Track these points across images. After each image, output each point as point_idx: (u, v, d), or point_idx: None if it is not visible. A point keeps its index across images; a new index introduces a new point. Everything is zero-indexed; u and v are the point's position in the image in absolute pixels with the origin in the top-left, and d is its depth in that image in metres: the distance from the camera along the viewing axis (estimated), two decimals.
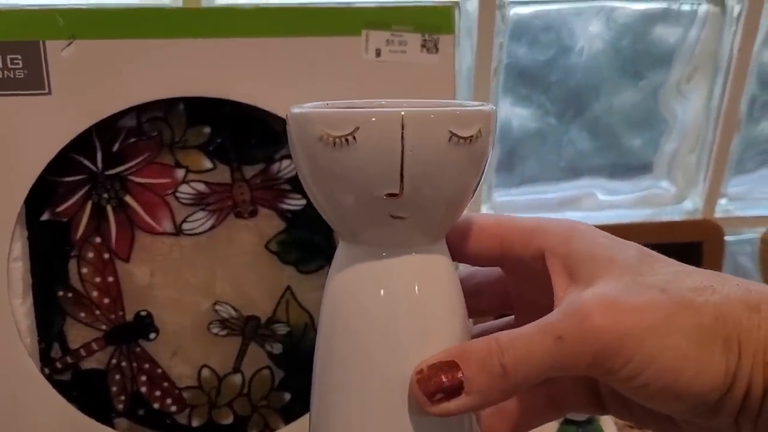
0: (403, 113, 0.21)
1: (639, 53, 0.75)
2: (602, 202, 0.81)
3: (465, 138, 0.22)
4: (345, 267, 0.25)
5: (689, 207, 0.82)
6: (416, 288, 0.24)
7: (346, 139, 0.22)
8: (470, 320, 0.27)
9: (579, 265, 0.24)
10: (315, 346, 0.26)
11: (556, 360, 0.22)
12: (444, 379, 0.23)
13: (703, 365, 0.22)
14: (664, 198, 0.82)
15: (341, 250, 0.25)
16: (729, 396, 0.22)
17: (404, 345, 0.24)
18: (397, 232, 0.24)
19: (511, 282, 0.29)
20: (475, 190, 0.25)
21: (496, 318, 0.31)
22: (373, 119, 0.22)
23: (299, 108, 0.23)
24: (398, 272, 0.24)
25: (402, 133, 0.21)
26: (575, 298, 0.23)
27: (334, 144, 0.22)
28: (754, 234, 0.66)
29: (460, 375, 0.23)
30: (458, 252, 0.27)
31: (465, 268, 0.30)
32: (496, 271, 0.29)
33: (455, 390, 0.23)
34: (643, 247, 0.25)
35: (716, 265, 0.74)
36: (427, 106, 0.25)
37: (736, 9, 0.73)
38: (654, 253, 0.25)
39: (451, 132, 0.22)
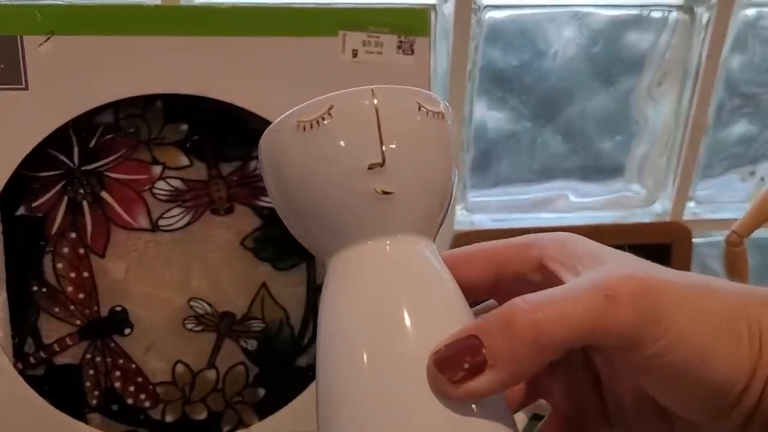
0: (372, 87, 0.23)
1: (611, 58, 0.77)
2: (574, 204, 0.83)
3: (434, 112, 0.23)
4: (336, 281, 0.24)
5: (659, 209, 0.84)
6: (419, 279, 0.23)
7: (323, 118, 0.23)
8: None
9: (582, 262, 0.23)
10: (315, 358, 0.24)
11: (599, 321, 0.20)
12: (464, 356, 0.20)
13: (730, 354, 0.20)
14: (635, 200, 0.83)
15: (331, 270, 0.24)
16: (746, 392, 0.21)
17: (416, 338, 0.22)
18: (387, 214, 0.23)
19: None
20: (454, 183, 0.25)
21: None
22: (345, 94, 0.23)
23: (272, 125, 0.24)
24: (398, 266, 0.23)
25: (375, 103, 0.23)
26: (599, 269, 0.21)
27: (312, 127, 0.23)
28: (722, 236, 0.67)
29: (483, 351, 0.20)
30: None
31: None
32: (486, 305, 0.28)
33: (478, 366, 0.20)
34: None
35: (685, 266, 0.76)
36: None
37: (705, 17, 0.75)
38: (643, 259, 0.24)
39: (419, 103, 0.23)
